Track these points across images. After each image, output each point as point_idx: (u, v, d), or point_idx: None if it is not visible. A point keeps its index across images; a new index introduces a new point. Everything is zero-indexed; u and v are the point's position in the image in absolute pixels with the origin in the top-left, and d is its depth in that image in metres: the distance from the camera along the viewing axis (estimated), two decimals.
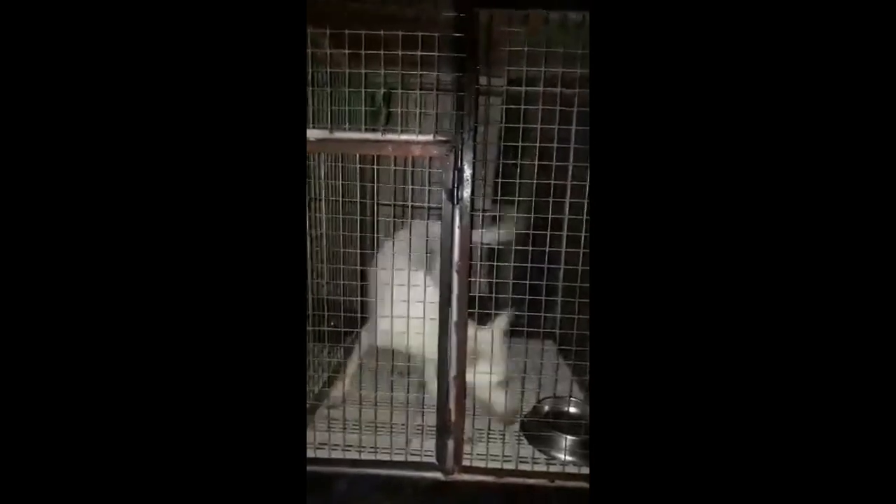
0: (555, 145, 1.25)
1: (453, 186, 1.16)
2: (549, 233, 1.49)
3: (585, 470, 1.37)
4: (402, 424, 1.42)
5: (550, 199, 1.36)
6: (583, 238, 1.54)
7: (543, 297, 1.55)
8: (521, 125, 1.24)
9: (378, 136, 1.15)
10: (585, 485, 1.33)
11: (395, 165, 1.24)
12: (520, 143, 1.25)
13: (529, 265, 1.40)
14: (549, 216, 1.32)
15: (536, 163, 1.29)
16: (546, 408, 1.60)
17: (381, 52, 1.12)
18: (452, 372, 1.28)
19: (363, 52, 1.11)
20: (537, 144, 1.25)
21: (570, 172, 1.74)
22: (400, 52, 1.13)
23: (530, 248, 1.38)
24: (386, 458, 1.36)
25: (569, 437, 1.43)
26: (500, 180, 1.39)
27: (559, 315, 1.91)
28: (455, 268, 1.22)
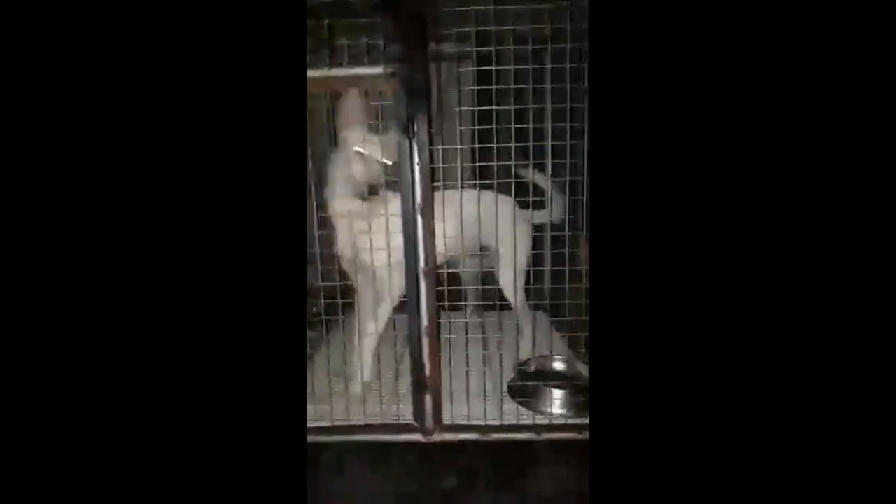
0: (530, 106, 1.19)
1: (407, 119, 1.09)
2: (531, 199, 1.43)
3: (573, 421, 1.29)
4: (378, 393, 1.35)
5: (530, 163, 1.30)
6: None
7: (532, 268, 1.51)
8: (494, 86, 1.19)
9: (325, 71, 1.09)
10: (575, 435, 1.26)
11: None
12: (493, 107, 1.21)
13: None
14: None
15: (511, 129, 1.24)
16: (532, 367, 1.52)
17: None
18: (424, 322, 1.20)
19: None
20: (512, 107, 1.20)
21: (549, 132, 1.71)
22: None
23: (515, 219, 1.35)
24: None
25: (555, 390, 1.36)
26: (477, 146, 1.33)
27: (549, 286, 1.87)
28: (418, 210, 1.16)
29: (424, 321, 1.20)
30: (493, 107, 1.30)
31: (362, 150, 1.30)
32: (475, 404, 1.33)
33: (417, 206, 1.15)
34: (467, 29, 1.24)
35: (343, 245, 1.39)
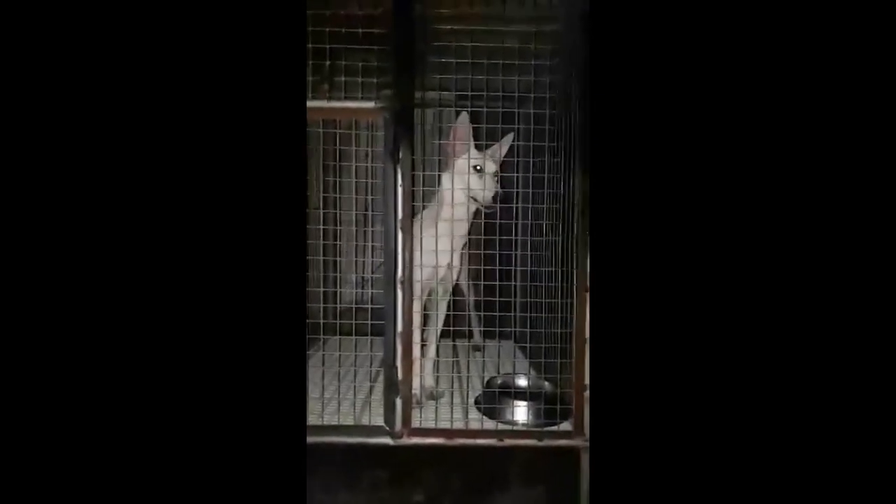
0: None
1: (393, 145, 1.25)
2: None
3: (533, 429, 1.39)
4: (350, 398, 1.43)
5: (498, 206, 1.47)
6: (530, 243, 1.65)
7: (498, 299, 1.62)
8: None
9: (325, 102, 1.25)
10: (534, 442, 1.35)
11: (339, 129, 1.34)
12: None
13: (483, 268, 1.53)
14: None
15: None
16: (498, 381, 1.63)
17: (327, 29, 1.24)
18: (398, 327, 1.31)
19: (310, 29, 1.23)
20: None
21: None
22: (343, 30, 1.26)
23: (482, 252, 1.52)
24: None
25: (519, 402, 1.45)
26: None
27: (516, 314, 1.99)
28: (399, 226, 1.29)
29: (399, 327, 1.31)
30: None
31: (479, 166, 1.48)
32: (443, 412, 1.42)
33: (399, 223, 1.29)
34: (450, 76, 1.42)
35: (438, 262, 1.50)
